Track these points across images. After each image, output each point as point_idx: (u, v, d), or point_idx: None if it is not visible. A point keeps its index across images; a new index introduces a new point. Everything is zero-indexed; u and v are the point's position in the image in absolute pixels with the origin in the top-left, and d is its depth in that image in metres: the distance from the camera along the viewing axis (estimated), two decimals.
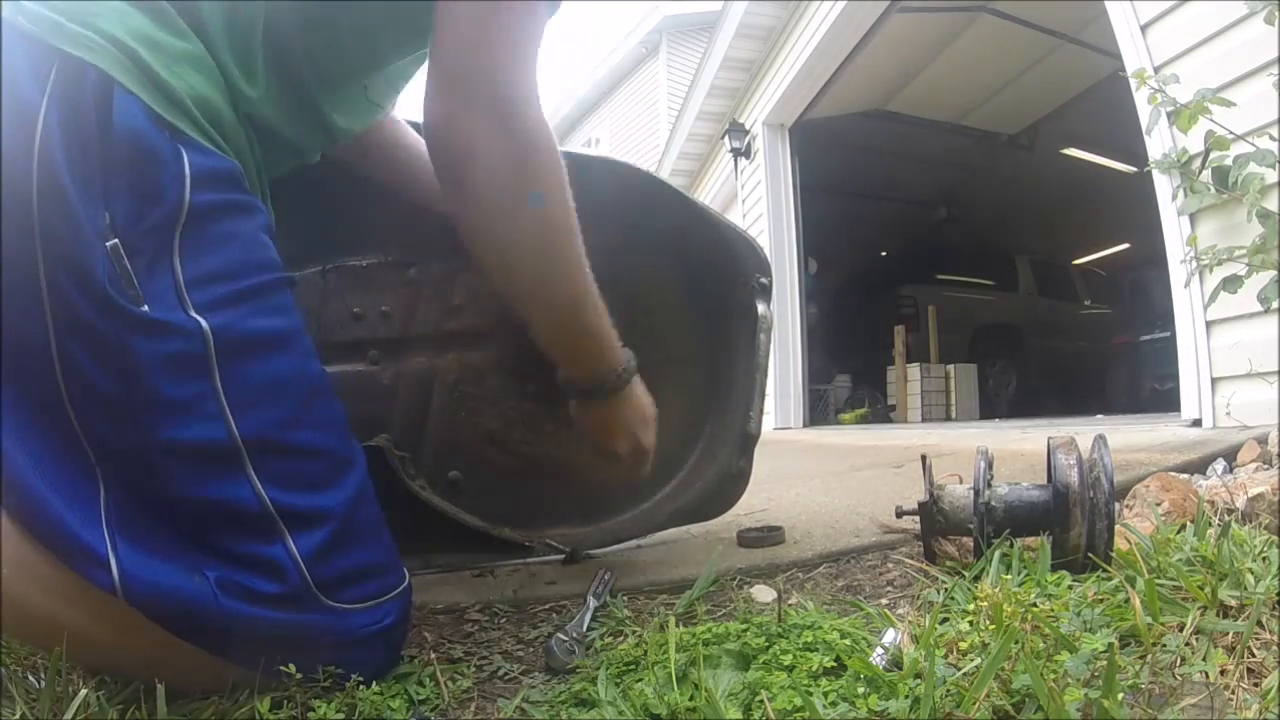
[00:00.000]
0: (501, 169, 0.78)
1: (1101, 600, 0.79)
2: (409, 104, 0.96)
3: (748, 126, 5.88)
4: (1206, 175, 2.05)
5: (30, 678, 0.78)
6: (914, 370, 6.55)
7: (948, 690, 0.62)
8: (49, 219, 0.65)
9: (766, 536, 1.27)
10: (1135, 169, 2.46)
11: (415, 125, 1.13)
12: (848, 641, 0.74)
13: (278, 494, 0.71)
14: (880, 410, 6.79)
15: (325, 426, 0.77)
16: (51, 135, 0.65)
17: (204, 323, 0.68)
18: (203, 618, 0.68)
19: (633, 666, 0.77)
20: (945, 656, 0.70)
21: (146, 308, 0.67)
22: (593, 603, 0.97)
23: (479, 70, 0.75)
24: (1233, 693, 0.61)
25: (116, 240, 0.66)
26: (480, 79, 0.75)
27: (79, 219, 0.65)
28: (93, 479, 0.69)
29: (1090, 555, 0.91)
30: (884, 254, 8.76)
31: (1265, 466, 1.56)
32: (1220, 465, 1.63)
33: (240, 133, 0.78)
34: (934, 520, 1.04)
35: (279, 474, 0.71)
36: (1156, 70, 2.23)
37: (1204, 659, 0.65)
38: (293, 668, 0.70)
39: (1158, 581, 0.79)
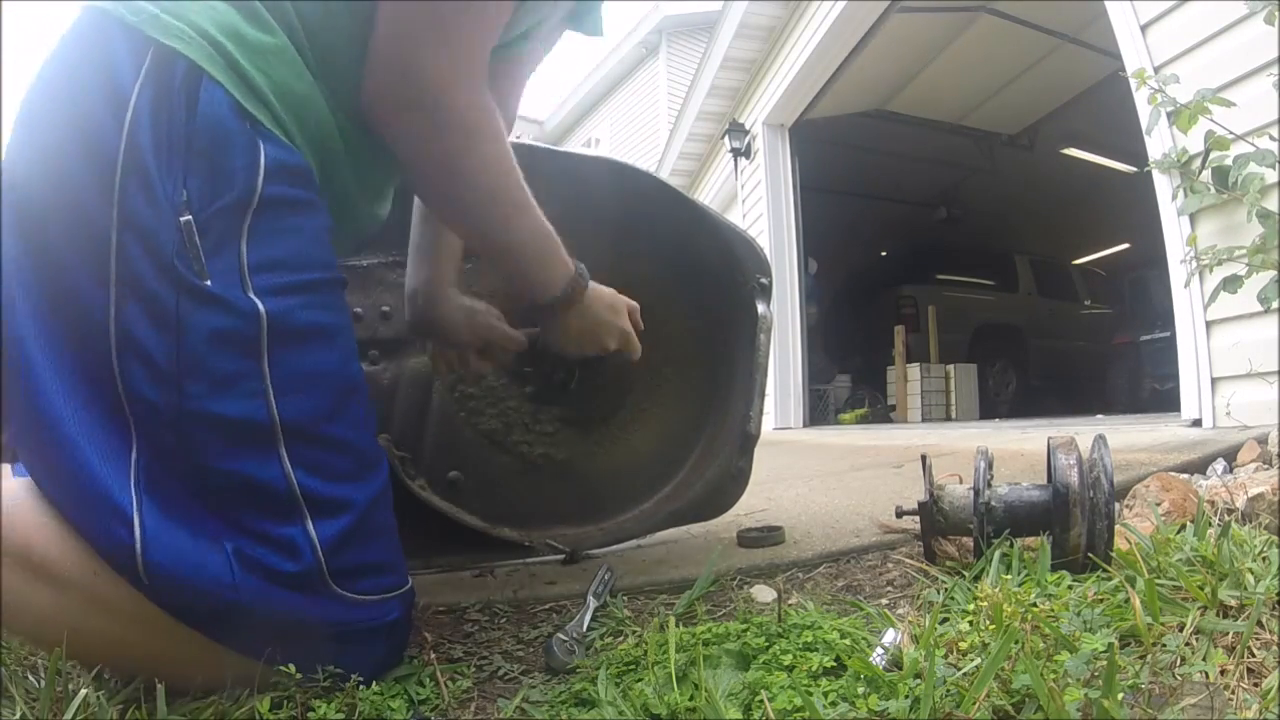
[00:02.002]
0: (428, 151, 0.83)
1: (1101, 600, 0.79)
2: None
3: (748, 126, 5.87)
4: (1206, 175, 2.05)
5: (30, 678, 0.78)
6: (914, 370, 6.55)
7: (948, 690, 0.62)
8: (128, 188, 0.69)
9: (766, 536, 1.27)
10: (1135, 169, 2.46)
11: None
12: (848, 641, 0.74)
13: (305, 479, 0.73)
14: (880, 410, 6.79)
15: (358, 425, 0.79)
16: (141, 115, 0.69)
17: (261, 305, 0.71)
18: (215, 590, 0.68)
19: (633, 666, 0.77)
20: (945, 656, 0.70)
21: (209, 282, 0.69)
22: (593, 603, 0.97)
23: (406, 64, 0.78)
24: (1233, 693, 0.61)
25: (190, 217, 0.69)
26: (408, 71, 0.79)
27: (157, 192, 0.69)
28: (127, 440, 0.70)
29: (1090, 555, 0.91)
30: (884, 254, 8.75)
31: (1265, 466, 1.56)
32: (1220, 465, 1.63)
33: (331, 126, 0.81)
34: (934, 520, 1.04)
35: (309, 461, 0.73)
36: (1156, 70, 2.23)
37: (1204, 659, 0.65)
38: (293, 668, 0.70)
39: (1158, 581, 0.79)
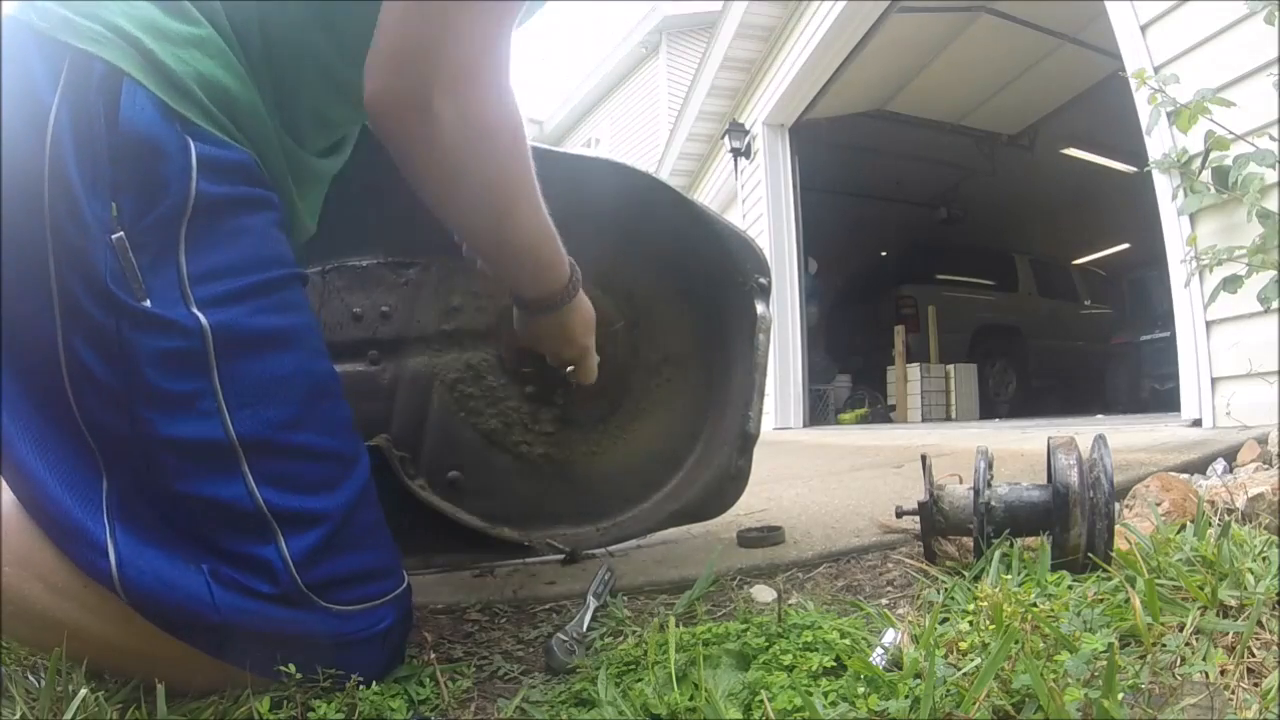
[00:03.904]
0: (451, 149, 0.73)
1: (1101, 600, 0.79)
2: None
3: (748, 126, 5.88)
4: (1206, 175, 2.06)
5: (30, 678, 0.78)
6: (914, 370, 6.55)
7: (948, 690, 0.62)
8: (57, 212, 0.66)
9: (766, 536, 1.27)
10: (1135, 169, 2.46)
11: None
12: (848, 641, 0.74)
13: (273, 495, 0.70)
14: (880, 410, 6.79)
15: (328, 428, 0.76)
16: (62, 131, 0.65)
17: (204, 320, 0.68)
18: (196, 611, 0.68)
19: (633, 666, 0.77)
20: (945, 656, 0.70)
21: (148, 302, 0.66)
22: (593, 603, 0.97)
23: (428, 43, 0.69)
24: (1233, 693, 0.61)
25: (121, 234, 0.66)
26: (428, 52, 0.69)
27: (84, 212, 0.65)
28: (95, 468, 0.69)
29: (1090, 555, 0.91)
30: (884, 254, 8.76)
31: (1265, 466, 1.56)
32: (1220, 465, 1.63)
33: (260, 115, 0.76)
34: (934, 520, 1.04)
35: (276, 475, 0.71)
36: (1156, 70, 2.23)
37: (1204, 659, 0.65)
38: (293, 668, 0.70)
39: (1158, 581, 0.79)
